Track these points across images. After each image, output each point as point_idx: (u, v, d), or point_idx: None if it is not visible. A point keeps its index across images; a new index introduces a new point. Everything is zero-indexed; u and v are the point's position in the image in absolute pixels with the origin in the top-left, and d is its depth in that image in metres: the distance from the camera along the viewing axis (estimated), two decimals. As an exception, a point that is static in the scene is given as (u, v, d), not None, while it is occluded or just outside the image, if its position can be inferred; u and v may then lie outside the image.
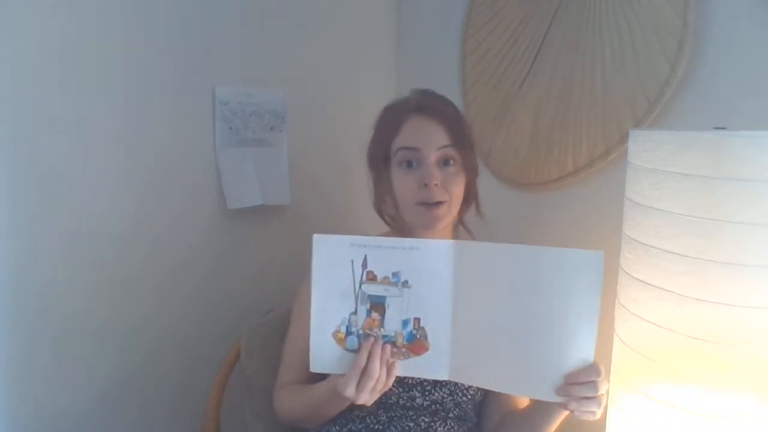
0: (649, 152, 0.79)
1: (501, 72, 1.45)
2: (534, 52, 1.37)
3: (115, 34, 1.22)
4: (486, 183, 1.48)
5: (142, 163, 1.29)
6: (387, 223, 1.13)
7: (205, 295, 1.43)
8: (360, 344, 0.88)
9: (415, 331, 0.89)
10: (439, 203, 1.03)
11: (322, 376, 1.02)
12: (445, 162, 1.04)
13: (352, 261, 0.88)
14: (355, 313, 0.89)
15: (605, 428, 0.91)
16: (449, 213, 1.06)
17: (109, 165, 1.25)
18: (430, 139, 1.03)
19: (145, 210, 1.31)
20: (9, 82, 1.12)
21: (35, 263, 1.18)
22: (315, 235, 0.88)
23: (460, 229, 1.15)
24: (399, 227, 1.11)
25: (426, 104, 1.06)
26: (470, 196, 1.10)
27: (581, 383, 0.83)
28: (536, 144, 1.38)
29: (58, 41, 1.16)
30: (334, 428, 1.06)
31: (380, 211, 1.13)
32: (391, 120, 1.08)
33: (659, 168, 0.77)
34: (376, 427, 1.03)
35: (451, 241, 0.90)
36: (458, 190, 1.06)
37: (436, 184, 1.02)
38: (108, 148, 1.24)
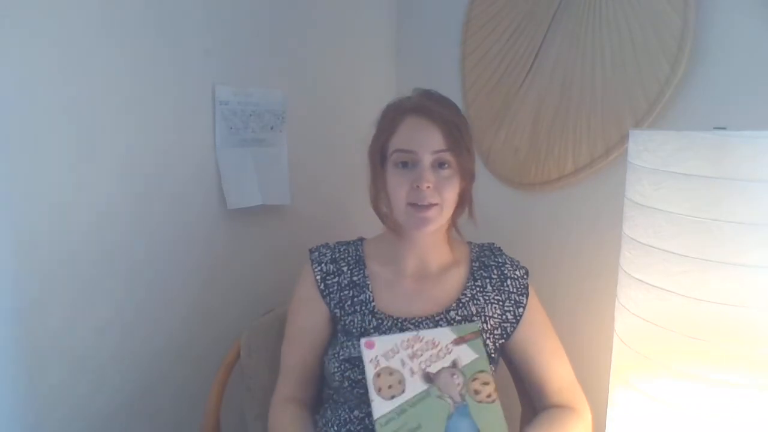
0: (650, 152, 0.79)
1: (501, 72, 1.45)
2: (534, 52, 1.37)
3: (115, 34, 1.22)
4: (486, 183, 1.49)
5: (141, 163, 1.29)
6: (382, 221, 1.13)
7: (204, 295, 1.43)
8: None
9: None
10: (429, 206, 1.03)
11: (317, 393, 1.07)
12: (440, 165, 1.04)
13: None
14: None
15: (605, 427, 0.91)
16: (440, 216, 1.05)
17: (108, 164, 1.25)
18: (426, 142, 1.02)
19: (145, 210, 1.31)
20: (9, 83, 1.12)
21: (35, 263, 1.18)
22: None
23: (453, 232, 1.15)
24: (393, 226, 1.11)
25: (425, 106, 1.05)
26: (465, 201, 1.09)
27: None
28: (536, 144, 1.38)
29: (58, 41, 1.16)
30: (332, 429, 1.06)
31: (376, 208, 1.13)
32: (389, 119, 1.08)
33: (659, 168, 0.77)
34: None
35: None
36: (451, 194, 1.05)
37: (428, 187, 1.02)
38: (107, 147, 1.24)
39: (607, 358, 0.92)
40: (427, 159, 1.02)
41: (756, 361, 0.72)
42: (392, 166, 1.05)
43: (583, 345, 1.24)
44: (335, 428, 1.05)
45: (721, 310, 0.73)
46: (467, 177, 1.07)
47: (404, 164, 1.04)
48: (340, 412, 1.06)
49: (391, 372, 0.95)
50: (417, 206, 1.03)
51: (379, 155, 1.08)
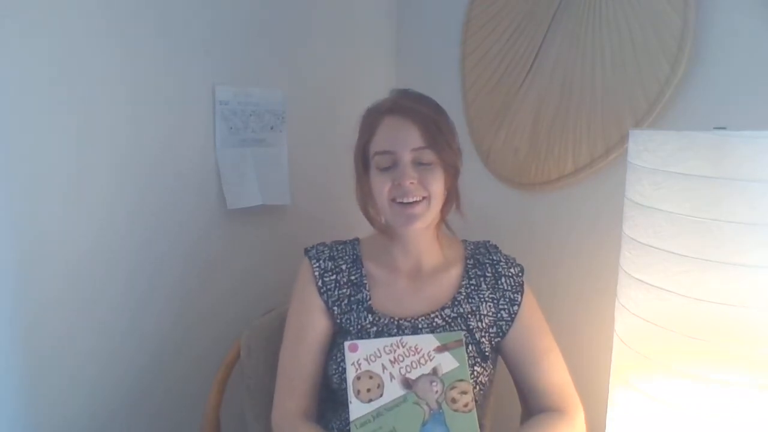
0: (650, 152, 0.79)
1: (501, 72, 1.45)
2: (534, 52, 1.37)
3: (115, 34, 1.22)
4: (486, 183, 1.49)
5: (141, 163, 1.29)
6: (372, 224, 1.13)
7: (204, 295, 1.43)
8: None
9: None
10: (415, 202, 1.03)
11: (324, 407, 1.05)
12: (420, 162, 1.03)
13: None
14: None
15: (605, 427, 0.91)
16: (428, 211, 1.04)
17: (108, 165, 1.25)
18: (404, 140, 1.02)
19: (145, 210, 1.31)
20: (9, 84, 1.12)
21: (35, 263, 1.18)
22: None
23: (443, 228, 1.14)
24: (383, 229, 1.11)
25: (401, 105, 1.05)
26: (452, 196, 1.09)
27: None
28: (536, 144, 1.38)
29: (58, 41, 1.16)
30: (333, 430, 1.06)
31: (365, 212, 1.12)
32: (367, 123, 1.08)
33: (659, 168, 0.77)
34: None
35: None
36: (437, 186, 1.04)
37: (411, 183, 1.02)
38: (107, 148, 1.24)
39: (607, 358, 0.92)
40: (407, 157, 1.02)
41: (756, 361, 0.72)
42: (374, 170, 1.05)
43: (583, 345, 1.24)
44: (336, 430, 1.06)
45: (721, 310, 0.73)
46: (451, 171, 1.06)
47: (386, 167, 1.04)
48: (340, 412, 1.06)
49: (371, 376, 0.97)
50: (402, 204, 1.03)
51: (362, 159, 1.08)
